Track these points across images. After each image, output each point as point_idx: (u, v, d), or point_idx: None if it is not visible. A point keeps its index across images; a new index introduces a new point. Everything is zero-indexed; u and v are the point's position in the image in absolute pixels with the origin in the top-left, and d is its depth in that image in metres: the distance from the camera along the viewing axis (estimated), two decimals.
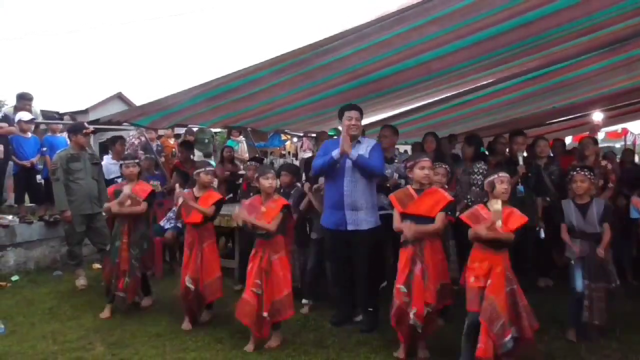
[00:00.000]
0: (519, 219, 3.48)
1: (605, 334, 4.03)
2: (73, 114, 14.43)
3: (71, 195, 5.55)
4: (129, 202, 4.73)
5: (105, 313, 4.73)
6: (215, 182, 5.67)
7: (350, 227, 4.26)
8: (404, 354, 3.71)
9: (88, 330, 4.34)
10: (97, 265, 6.46)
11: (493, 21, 3.79)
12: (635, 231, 5.51)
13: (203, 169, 4.58)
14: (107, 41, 78.82)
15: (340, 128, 8.08)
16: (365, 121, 6.72)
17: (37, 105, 7.18)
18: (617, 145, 12.75)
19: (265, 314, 3.85)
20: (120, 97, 23.56)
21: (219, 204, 4.57)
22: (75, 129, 5.75)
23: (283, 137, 11.92)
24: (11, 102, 7.46)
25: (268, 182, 4.02)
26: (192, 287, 4.34)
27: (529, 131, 7.72)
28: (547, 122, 8.95)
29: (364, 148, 4.34)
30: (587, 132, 8.40)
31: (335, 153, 4.21)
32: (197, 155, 8.20)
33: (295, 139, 12.21)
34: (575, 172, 4.14)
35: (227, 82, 4.68)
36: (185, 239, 4.58)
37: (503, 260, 3.43)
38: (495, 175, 3.57)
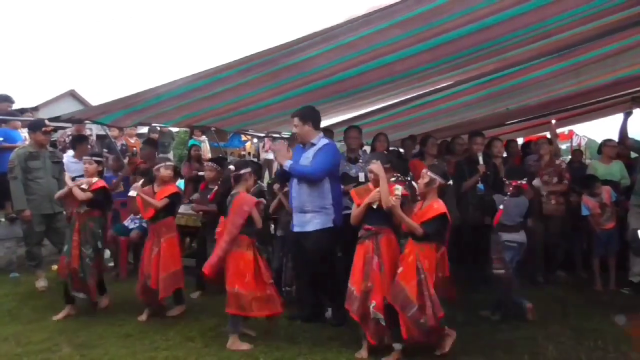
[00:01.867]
0: (434, 210, 3.64)
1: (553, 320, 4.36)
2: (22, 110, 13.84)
3: (30, 194, 5.39)
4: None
5: (61, 314, 4.61)
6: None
7: (296, 229, 4.36)
8: (366, 354, 3.68)
9: (52, 332, 4.25)
10: (55, 267, 6.27)
11: (453, 26, 3.95)
12: (585, 227, 5.85)
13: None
14: (60, 38, 75.91)
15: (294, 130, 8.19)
16: (329, 122, 6.86)
17: None
18: (564, 147, 13.31)
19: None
20: (72, 94, 22.78)
21: (173, 197, 4.64)
22: (34, 127, 5.59)
23: (243, 137, 11.87)
24: None
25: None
26: (147, 282, 4.45)
27: (486, 132, 8.03)
28: (502, 123, 9.32)
29: (313, 151, 4.35)
30: (545, 134, 8.82)
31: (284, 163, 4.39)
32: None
33: (255, 140, 12.19)
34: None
35: (193, 81, 4.65)
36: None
37: (418, 250, 3.57)
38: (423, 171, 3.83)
